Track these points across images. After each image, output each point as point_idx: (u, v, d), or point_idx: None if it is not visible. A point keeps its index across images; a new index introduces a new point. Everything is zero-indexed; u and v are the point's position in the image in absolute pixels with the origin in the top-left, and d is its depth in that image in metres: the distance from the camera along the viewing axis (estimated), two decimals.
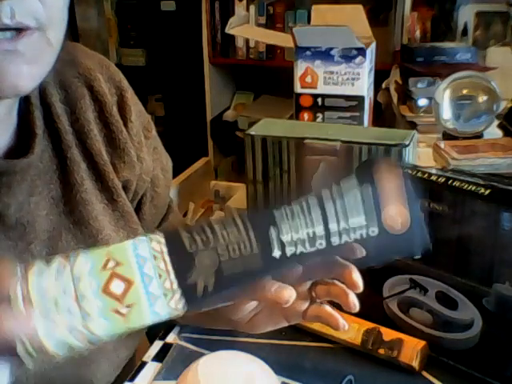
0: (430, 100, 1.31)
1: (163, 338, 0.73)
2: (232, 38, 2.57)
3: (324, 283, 0.51)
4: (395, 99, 1.51)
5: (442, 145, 1.14)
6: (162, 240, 0.38)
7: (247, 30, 1.63)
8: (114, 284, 0.37)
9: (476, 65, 1.50)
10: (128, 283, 0.37)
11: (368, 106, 1.03)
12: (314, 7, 1.19)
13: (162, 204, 0.73)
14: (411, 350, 0.64)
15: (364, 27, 1.11)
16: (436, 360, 0.66)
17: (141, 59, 2.93)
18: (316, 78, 1.01)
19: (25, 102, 0.58)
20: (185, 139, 2.79)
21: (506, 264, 0.58)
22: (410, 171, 0.65)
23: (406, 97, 1.43)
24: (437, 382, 0.64)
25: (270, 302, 0.48)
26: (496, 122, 1.26)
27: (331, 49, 0.99)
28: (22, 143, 0.57)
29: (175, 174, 1.59)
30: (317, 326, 0.70)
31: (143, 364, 0.68)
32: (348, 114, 1.02)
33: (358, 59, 0.99)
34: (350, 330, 0.68)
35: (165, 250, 0.38)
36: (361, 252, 0.45)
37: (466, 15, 1.94)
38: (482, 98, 1.24)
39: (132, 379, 0.66)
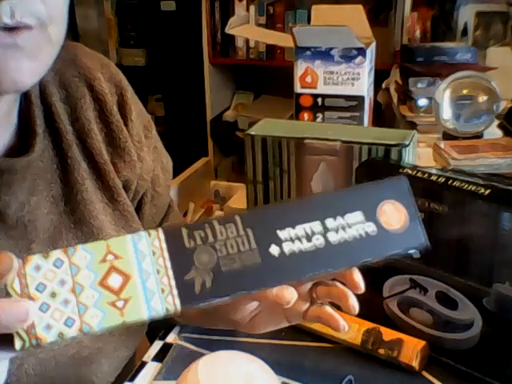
0: (430, 100, 1.31)
1: (163, 338, 0.73)
2: (232, 37, 2.57)
3: (325, 284, 0.51)
4: (395, 99, 1.51)
5: (442, 145, 1.14)
6: (162, 236, 0.38)
7: (247, 30, 1.63)
8: (112, 277, 0.37)
9: (476, 65, 1.50)
10: (126, 277, 0.37)
11: (368, 106, 1.03)
12: (313, 7, 1.19)
13: (162, 204, 0.74)
14: (411, 350, 0.64)
15: (364, 27, 1.11)
16: (436, 360, 0.66)
17: (141, 59, 2.93)
18: (316, 77, 1.01)
19: (25, 101, 0.58)
20: (185, 139, 2.79)
21: (506, 264, 0.58)
22: (409, 171, 0.65)
23: (406, 97, 1.43)
24: (437, 382, 0.64)
25: (271, 303, 0.48)
26: (496, 122, 1.26)
27: (331, 49, 0.99)
28: (22, 142, 0.57)
29: (175, 174, 1.59)
30: (317, 326, 0.70)
31: (143, 364, 0.68)
32: (348, 114, 1.02)
33: (358, 59, 0.99)
34: (350, 330, 0.68)
35: (164, 246, 0.38)
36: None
37: (466, 15, 1.94)
38: (482, 98, 1.24)
39: (132, 379, 0.66)
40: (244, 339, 0.70)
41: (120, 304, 0.37)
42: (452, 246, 0.61)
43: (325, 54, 1.00)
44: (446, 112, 1.25)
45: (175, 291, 0.38)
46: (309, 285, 0.52)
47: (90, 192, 0.61)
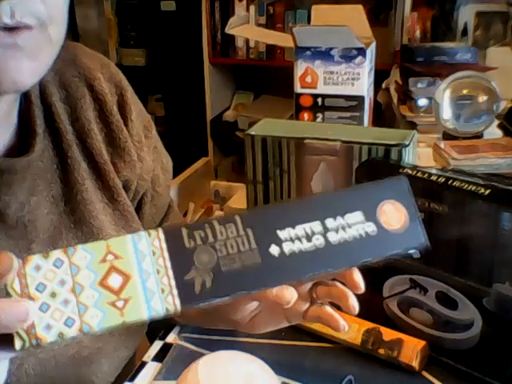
0: (430, 100, 1.31)
1: (163, 338, 0.73)
2: (232, 37, 2.57)
3: (325, 284, 0.51)
4: (395, 99, 1.51)
5: (442, 145, 1.14)
6: (162, 236, 0.38)
7: (247, 30, 1.63)
8: (112, 277, 0.37)
9: (476, 65, 1.50)
10: (126, 277, 0.37)
11: (368, 106, 1.03)
12: (313, 7, 1.19)
13: (162, 204, 0.74)
14: (411, 350, 0.64)
15: (364, 27, 1.11)
16: (436, 360, 0.66)
17: (141, 59, 2.93)
18: (316, 77, 1.01)
19: (25, 101, 0.58)
20: (185, 139, 2.79)
21: (506, 264, 0.58)
22: (409, 171, 0.65)
23: (406, 97, 1.43)
24: (437, 382, 0.64)
25: (271, 303, 0.48)
26: (496, 122, 1.26)
27: (331, 49, 0.99)
28: (22, 142, 0.57)
29: (175, 173, 1.59)
30: (317, 326, 0.70)
31: (143, 364, 0.68)
32: (348, 114, 1.02)
33: (358, 59, 0.99)
34: (350, 330, 0.68)
35: (164, 246, 0.38)
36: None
37: (466, 15, 1.94)
38: (482, 98, 1.24)
39: (132, 379, 0.66)
40: (244, 339, 0.70)
41: (120, 304, 0.37)
42: (452, 246, 0.61)
43: (325, 54, 1.00)
44: (446, 112, 1.25)
45: (175, 291, 0.38)
46: (309, 285, 0.52)
47: (90, 192, 0.61)
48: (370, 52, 1.02)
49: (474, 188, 0.59)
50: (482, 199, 0.58)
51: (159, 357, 0.69)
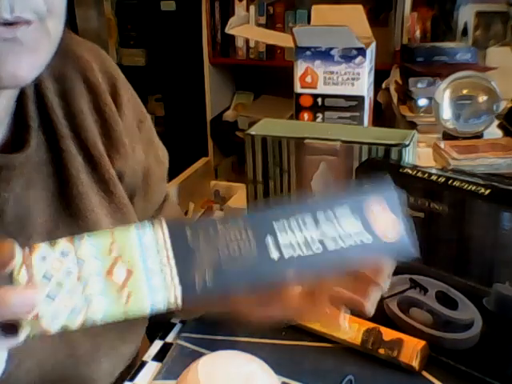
0: (430, 100, 1.31)
1: (163, 337, 0.73)
2: (232, 37, 2.57)
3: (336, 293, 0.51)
4: (395, 99, 1.51)
5: (442, 145, 1.14)
6: (166, 231, 0.39)
7: (247, 30, 1.63)
8: (117, 269, 0.38)
9: (476, 65, 1.50)
10: (129, 271, 0.38)
11: (368, 106, 1.03)
12: (313, 7, 1.19)
13: (155, 196, 0.72)
14: (411, 350, 0.64)
15: (364, 27, 1.11)
16: (436, 360, 0.66)
17: (141, 59, 2.93)
18: (316, 77, 1.01)
19: (19, 95, 0.57)
20: (185, 139, 2.78)
21: (506, 264, 0.58)
22: (409, 171, 0.65)
23: (406, 97, 1.43)
24: (437, 382, 0.64)
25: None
26: (496, 122, 1.26)
27: (331, 49, 0.99)
28: (16, 137, 0.57)
29: (175, 174, 1.59)
30: (317, 326, 0.70)
31: (143, 364, 0.68)
32: (348, 114, 1.02)
33: (358, 59, 0.99)
34: (350, 330, 0.68)
35: (168, 241, 0.39)
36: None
37: (466, 15, 1.94)
38: (482, 98, 1.24)
39: (132, 379, 0.66)
40: (244, 339, 0.70)
41: (124, 296, 0.38)
42: (452, 245, 0.61)
43: (325, 54, 1.00)
44: (446, 112, 1.25)
45: (178, 288, 0.38)
46: (312, 285, 0.52)
47: (85, 185, 0.61)
48: (370, 52, 1.02)
49: (474, 188, 0.59)
50: (482, 199, 0.58)
51: (159, 356, 0.69)
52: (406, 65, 1.54)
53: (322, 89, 1.01)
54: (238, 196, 1.27)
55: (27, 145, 0.56)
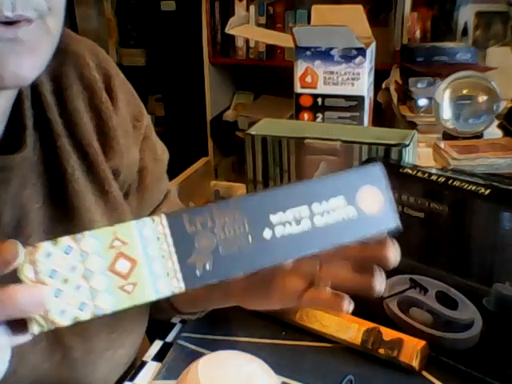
0: (430, 100, 1.31)
1: (163, 337, 0.73)
2: (232, 38, 2.57)
3: (331, 264, 0.50)
4: (395, 99, 1.51)
5: (442, 145, 1.14)
6: (165, 222, 0.40)
7: (247, 30, 1.63)
8: (120, 262, 0.39)
9: (476, 65, 1.50)
10: (133, 262, 0.39)
11: (368, 106, 1.03)
12: (313, 7, 1.19)
13: (152, 196, 0.71)
14: (411, 350, 0.64)
15: (364, 27, 1.11)
16: (436, 360, 0.66)
17: (141, 59, 2.93)
18: (316, 78, 1.01)
19: (17, 94, 0.57)
20: (185, 139, 2.79)
21: (506, 264, 0.58)
22: (409, 171, 0.65)
23: (406, 97, 1.43)
24: (437, 382, 0.64)
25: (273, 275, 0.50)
26: (496, 122, 1.26)
27: (331, 49, 0.99)
28: (11, 136, 0.57)
29: (175, 174, 1.59)
30: (317, 326, 0.70)
31: (143, 364, 0.68)
32: (348, 114, 1.02)
33: (358, 59, 0.99)
34: (350, 330, 0.68)
35: (167, 232, 0.40)
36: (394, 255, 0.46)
37: (466, 15, 1.95)
38: (482, 98, 1.24)
39: (132, 379, 0.66)
40: (244, 339, 0.70)
41: (128, 288, 0.39)
42: (452, 245, 0.61)
43: (325, 54, 1.00)
44: (446, 112, 1.25)
45: (179, 274, 0.40)
46: (310, 263, 0.51)
47: (81, 184, 0.60)
48: (370, 52, 1.02)
49: (474, 188, 0.59)
50: (482, 199, 0.58)
51: (159, 356, 0.69)
52: (406, 65, 1.54)
53: (321, 89, 1.01)
54: None
55: (24, 145, 0.56)
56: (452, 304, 0.63)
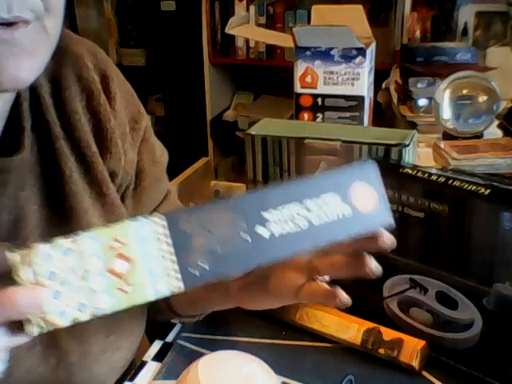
0: (430, 100, 1.31)
1: (163, 337, 0.73)
2: (232, 38, 2.57)
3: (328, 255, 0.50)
4: (395, 99, 1.51)
5: (442, 145, 1.14)
6: (164, 222, 0.40)
7: (247, 30, 1.64)
8: (119, 263, 0.39)
9: (476, 65, 1.50)
10: (131, 263, 0.39)
11: (368, 106, 1.03)
12: (313, 7, 1.19)
13: (150, 198, 0.71)
14: (411, 350, 0.64)
15: (364, 27, 1.11)
16: (436, 360, 0.66)
17: (141, 59, 2.93)
18: (316, 77, 1.01)
19: (15, 95, 0.57)
20: (185, 139, 2.79)
21: (506, 264, 0.58)
22: (409, 171, 0.65)
23: (406, 97, 1.43)
24: (437, 382, 0.64)
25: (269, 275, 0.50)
26: (496, 122, 1.26)
27: (331, 49, 0.99)
28: (9, 138, 0.56)
29: (175, 174, 1.59)
30: (317, 326, 0.70)
31: (143, 364, 0.68)
32: (348, 114, 1.02)
33: (358, 59, 0.99)
34: (350, 330, 0.68)
35: (167, 232, 0.40)
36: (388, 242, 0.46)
37: (466, 15, 1.94)
38: (482, 98, 1.24)
39: (132, 379, 0.66)
40: (244, 339, 0.70)
41: (127, 288, 0.39)
42: (452, 245, 0.61)
43: (325, 54, 1.00)
44: (446, 112, 1.25)
45: (178, 274, 0.40)
46: (306, 257, 0.52)
47: (78, 186, 0.60)
48: (370, 52, 1.02)
49: (474, 188, 0.59)
50: (482, 199, 0.58)
51: (159, 356, 0.69)
52: (406, 65, 1.54)
53: (322, 89, 1.01)
54: None
55: (22, 147, 0.56)
56: (452, 304, 0.63)
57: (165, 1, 2.79)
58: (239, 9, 2.57)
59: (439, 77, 1.35)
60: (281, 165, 0.80)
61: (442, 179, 0.62)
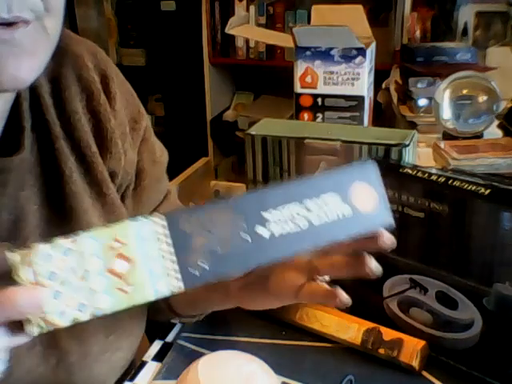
0: (430, 100, 1.31)
1: (163, 337, 0.73)
2: (232, 38, 2.57)
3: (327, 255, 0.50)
4: (395, 99, 1.51)
5: (442, 145, 1.14)
6: (164, 222, 0.40)
7: (247, 30, 1.64)
8: (119, 263, 0.39)
9: (476, 65, 1.50)
10: (131, 263, 0.39)
11: (368, 106, 1.03)
12: (313, 7, 1.19)
13: (150, 198, 0.71)
14: (411, 350, 0.64)
15: (364, 27, 1.11)
16: (436, 360, 0.66)
17: (141, 59, 2.93)
18: (316, 77, 1.01)
19: (15, 95, 0.57)
20: (185, 139, 2.79)
21: (506, 264, 0.58)
22: (409, 171, 0.65)
23: (406, 97, 1.43)
24: (437, 382, 0.64)
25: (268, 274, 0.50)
26: (496, 122, 1.26)
27: (331, 49, 0.99)
28: (9, 138, 0.56)
29: (175, 174, 1.59)
30: (317, 326, 0.70)
31: (143, 364, 0.68)
32: (348, 114, 1.02)
33: (358, 59, 0.99)
34: (350, 330, 0.68)
35: (167, 232, 0.40)
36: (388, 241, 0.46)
37: (465, 15, 1.94)
38: (482, 98, 1.24)
39: (132, 379, 0.66)
40: (244, 339, 0.70)
41: (127, 288, 0.39)
42: (452, 245, 0.61)
43: (325, 54, 1.00)
44: (446, 112, 1.25)
45: (179, 274, 0.40)
46: (307, 257, 0.52)
47: (78, 186, 0.60)
48: (370, 52, 1.02)
49: (474, 188, 0.59)
50: (482, 199, 0.58)
51: (159, 356, 0.69)
52: (406, 65, 1.54)
53: (322, 89, 1.02)
54: None
55: (22, 147, 0.56)
56: (452, 304, 0.63)
57: (165, 1, 2.79)
58: (239, 9, 2.57)
59: (439, 77, 1.35)
60: (281, 165, 0.80)
61: (442, 179, 0.62)
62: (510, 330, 0.59)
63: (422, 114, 1.36)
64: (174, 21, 2.79)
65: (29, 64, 0.48)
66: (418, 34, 2.17)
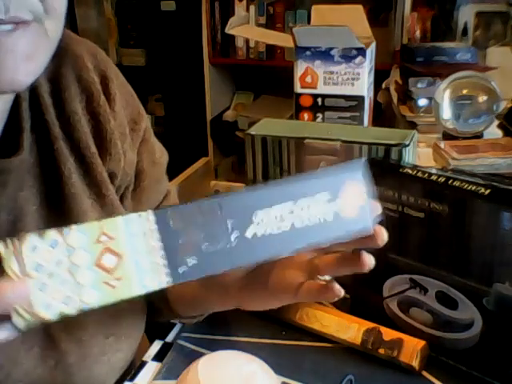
0: (430, 100, 1.31)
1: (163, 337, 0.73)
2: (232, 38, 2.57)
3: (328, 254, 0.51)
4: (395, 99, 1.51)
5: (442, 145, 1.14)
6: (152, 218, 0.40)
7: (247, 30, 1.63)
8: (106, 257, 0.39)
9: (476, 65, 1.50)
10: (119, 257, 0.39)
11: (368, 106, 1.03)
12: (313, 7, 1.19)
13: (148, 198, 0.71)
14: (411, 350, 0.64)
15: (364, 27, 1.11)
16: (436, 360, 0.66)
17: (141, 59, 2.93)
18: (316, 77, 1.01)
19: (14, 96, 0.57)
20: (185, 139, 2.79)
21: (506, 264, 0.58)
22: (409, 171, 0.65)
23: (406, 97, 1.43)
24: (437, 382, 0.64)
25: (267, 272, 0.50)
26: (496, 122, 1.26)
27: (331, 49, 0.99)
28: (8, 139, 0.56)
29: (175, 174, 1.59)
30: (317, 326, 0.70)
31: (143, 364, 0.68)
32: (348, 114, 1.02)
33: (358, 59, 0.99)
34: (350, 330, 0.68)
35: (154, 227, 0.40)
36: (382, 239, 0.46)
37: (465, 15, 1.94)
38: (482, 98, 1.24)
39: (132, 379, 0.66)
40: (244, 339, 0.70)
41: (114, 283, 0.39)
42: (452, 245, 0.61)
43: (325, 54, 1.00)
44: (446, 112, 1.25)
45: (167, 269, 0.40)
46: (305, 255, 0.52)
47: (77, 187, 0.60)
48: (370, 52, 1.02)
49: (474, 188, 0.59)
50: (482, 199, 0.58)
51: (159, 356, 0.69)
52: (406, 65, 1.54)
53: (322, 89, 1.02)
54: None
55: (21, 148, 0.55)
56: (452, 304, 0.63)
57: (165, 1, 2.79)
58: (239, 9, 2.57)
59: (439, 77, 1.35)
60: (281, 165, 0.80)
61: (442, 179, 0.62)
62: (510, 330, 0.59)
63: (422, 114, 1.36)
64: (174, 21, 2.79)
65: (27, 67, 0.47)
66: (418, 34, 2.17)
